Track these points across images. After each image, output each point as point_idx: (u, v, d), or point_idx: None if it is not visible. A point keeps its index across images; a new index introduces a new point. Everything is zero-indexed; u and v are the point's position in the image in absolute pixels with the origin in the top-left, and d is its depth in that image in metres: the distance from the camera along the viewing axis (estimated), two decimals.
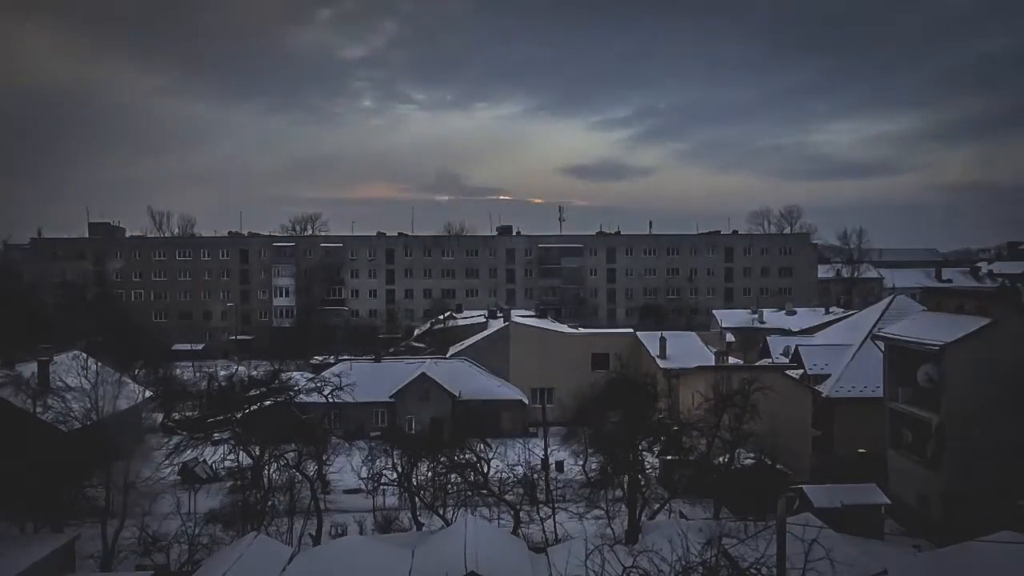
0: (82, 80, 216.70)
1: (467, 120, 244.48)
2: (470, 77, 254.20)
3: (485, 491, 33.72)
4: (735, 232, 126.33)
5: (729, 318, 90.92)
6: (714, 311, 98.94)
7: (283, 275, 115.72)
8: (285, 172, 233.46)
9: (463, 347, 69.56)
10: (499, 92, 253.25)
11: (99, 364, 41.24)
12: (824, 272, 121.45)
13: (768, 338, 64.32)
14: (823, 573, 18.29)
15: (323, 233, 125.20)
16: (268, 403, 40.86)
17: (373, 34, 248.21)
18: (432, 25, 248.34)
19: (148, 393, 53.40)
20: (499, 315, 79.60)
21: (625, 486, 32.34)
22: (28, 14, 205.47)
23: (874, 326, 50.75)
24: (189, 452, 39.21)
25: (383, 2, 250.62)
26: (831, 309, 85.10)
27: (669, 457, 38.70)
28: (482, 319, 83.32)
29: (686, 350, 62.11)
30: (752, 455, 36.95)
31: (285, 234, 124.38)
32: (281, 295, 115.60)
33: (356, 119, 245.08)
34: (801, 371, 49.82)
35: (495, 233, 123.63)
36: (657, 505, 33.55)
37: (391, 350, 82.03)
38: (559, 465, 44.49)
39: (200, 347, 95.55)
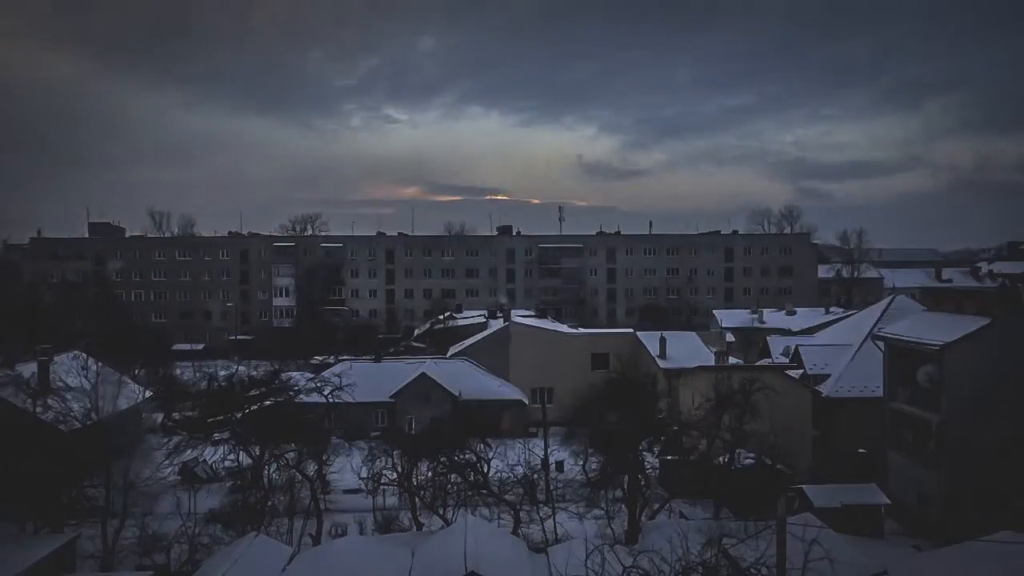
0: (91, 86, 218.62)
1: (455, 130, 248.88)
2: (449, 102, 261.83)
3: (485, 491, 33.71)
4: (735, 232, 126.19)
5: (729, 318, 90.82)
6: (714, 311, 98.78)
7: (283, 275, 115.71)
8: (286, 176, 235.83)
9: (463, 347, 69.50)
10: (477, 112, 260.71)
11: (99, 364, 41.24)
12: (824, 272, 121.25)
13: (768, 338, 64.12)
14: (823, 573, 18.25)
15: (323, 233, 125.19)
16: (268, 403, 40.72)
17: (359, 68, 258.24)
18: (411, 59, 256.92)
19: (148, 393, 53.37)
20: (499, 315, 79.55)
21: (625, 486, 32.33)
22: (47, 29, 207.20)
23: (874, 326, 50.64)
24: (189, 452, 39.03)
25: (369, 41, 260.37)
26: (831, 309, 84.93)
27: (669, 457, 38.69)
28: (482, 319, 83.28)
29: (686, 350, 62.05)
30: (752, 455, 36.94)
31: (285, 234, 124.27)
32: (281, 295, 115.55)
33: (348, 135, 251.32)
34: (801, 371, 49.72)
35: (495, 233, 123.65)
36: (657, 505, 33.59)
37: (391, 350, 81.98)
38: (559, 465, 44.43)
39: (200, 347, 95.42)
